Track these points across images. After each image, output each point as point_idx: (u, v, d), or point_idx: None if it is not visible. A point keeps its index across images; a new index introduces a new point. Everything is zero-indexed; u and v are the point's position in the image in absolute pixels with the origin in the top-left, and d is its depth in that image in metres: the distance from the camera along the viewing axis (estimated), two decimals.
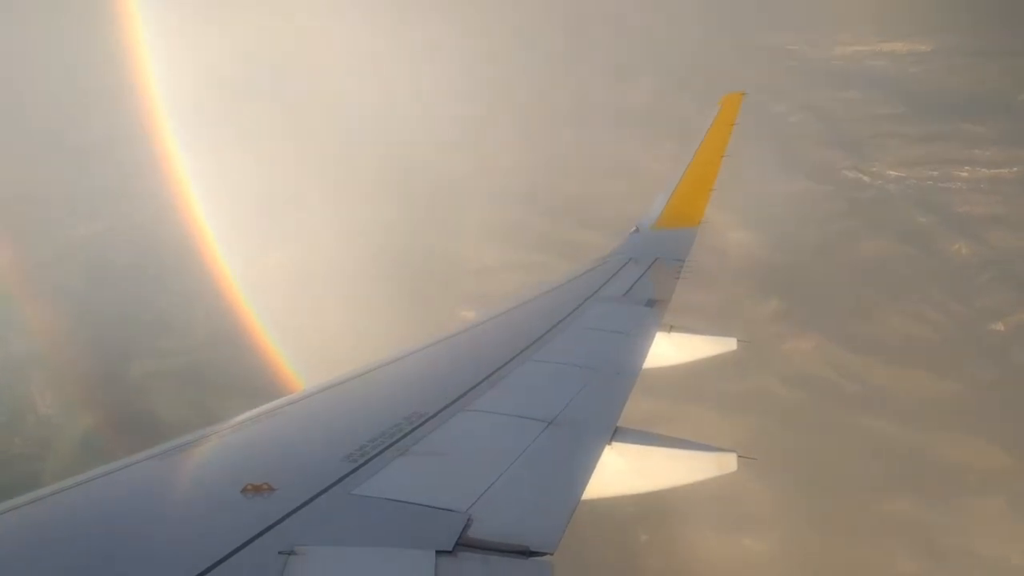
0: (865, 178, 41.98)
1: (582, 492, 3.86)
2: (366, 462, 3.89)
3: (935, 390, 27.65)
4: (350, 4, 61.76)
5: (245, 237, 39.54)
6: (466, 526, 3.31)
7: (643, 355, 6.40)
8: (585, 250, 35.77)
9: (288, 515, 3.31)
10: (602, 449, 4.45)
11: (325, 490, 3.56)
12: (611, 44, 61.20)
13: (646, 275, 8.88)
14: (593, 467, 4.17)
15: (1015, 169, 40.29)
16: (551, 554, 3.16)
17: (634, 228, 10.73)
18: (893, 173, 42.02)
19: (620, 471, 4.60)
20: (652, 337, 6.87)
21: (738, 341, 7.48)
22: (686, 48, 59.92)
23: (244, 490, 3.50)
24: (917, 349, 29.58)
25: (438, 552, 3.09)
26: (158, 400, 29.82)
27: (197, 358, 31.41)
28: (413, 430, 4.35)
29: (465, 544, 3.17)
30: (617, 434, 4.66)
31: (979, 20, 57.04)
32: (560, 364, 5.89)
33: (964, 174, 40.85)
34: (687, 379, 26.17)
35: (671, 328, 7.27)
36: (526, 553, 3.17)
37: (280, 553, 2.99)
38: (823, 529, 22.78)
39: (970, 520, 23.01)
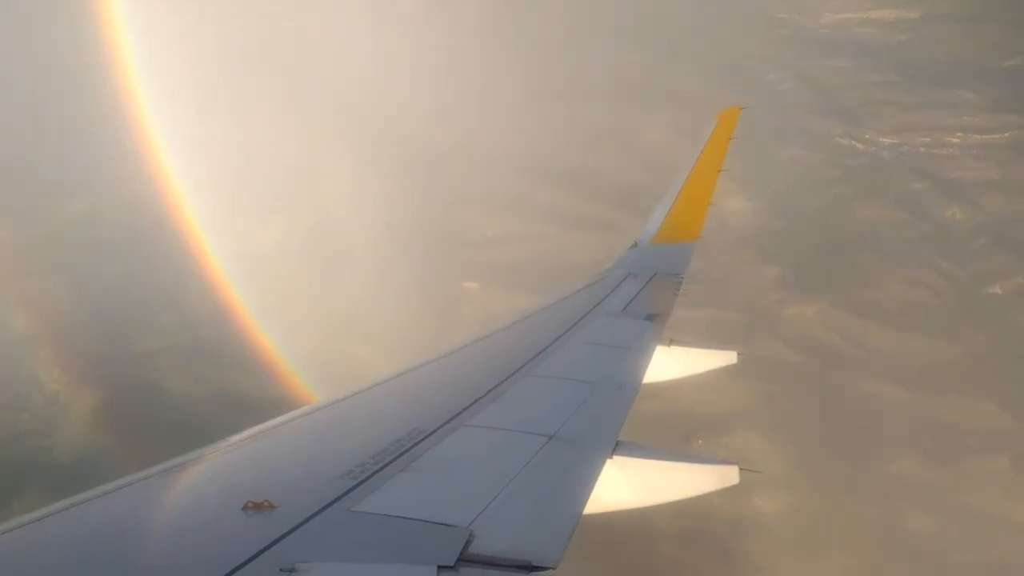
0: (859, 145, 42.29)
1: (584, 507, 3.91)
2: (367, 478, 3.91)
3: (936, 353, 28.12)
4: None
5: (238, 213, 39.41)
6: (468, 541, 3.32)
7: (643, 369, 6.50)
8: (588, 221, 36.16)
9: (289, 532, 3.31)
10: (603, 463, 4.49)
11: (326, 507, 3.58)
12: (595, 15, 60.82)
13: (645, 290, 8.97)
14: (594, 482, 4.23)
15: (1006, 135, 40.74)
16: (553, 569, 3.20)
17: (632, 243, 10.87)
18: (886, 140, 42.34)
19: (621, 485, 4.67)
20: (652, 351, 6.96)
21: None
22: (672, 18, 59.79)
23: (245, 507, 3.50)
24: (917, 313, 30.03)
25: (440, 568, 3.10)
26: (165, 375, 29.88)
27: (202, 333, 31.42)
28: (414, 446, 4.37)
29: (467, 560, 3.19)
30: (618, 448, 4.71)
31: None
32: (560, 379, 5.96)
33: (956, 140, 41.24)
34: (701, 341, 26.65)
35: (671, 342, 7.39)
36: (528, 568, 3.20)
37: (281, 570, 2.99)
38: (833, 489, 23.24)
39: (975, 480, 23.51)
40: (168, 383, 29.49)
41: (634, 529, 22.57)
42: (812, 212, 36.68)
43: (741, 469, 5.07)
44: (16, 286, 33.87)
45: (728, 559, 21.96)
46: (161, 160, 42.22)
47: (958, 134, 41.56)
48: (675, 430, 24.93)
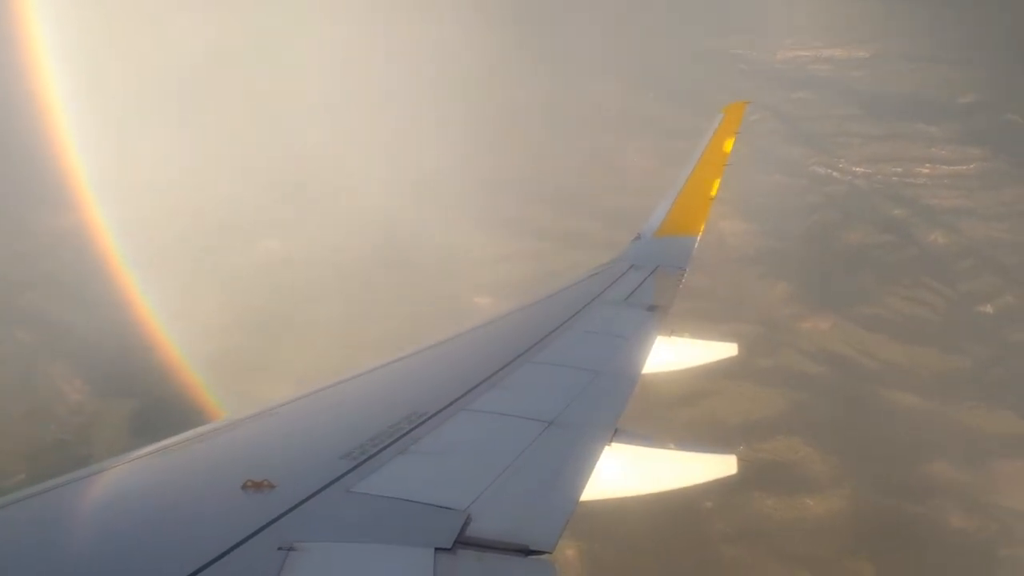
0: (835, 173, 44.28)
1: (581, 492, 3.92)
2: (366, 460, 3.91)
3: (945, 365, 29.71)
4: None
5: (246, 224, 39.05)
6: (465, 524, 3.33)
7: (643, 358, 6.48)
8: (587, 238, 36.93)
9: (288, 511, 3.33)
10: (602, 450, 4.47)
11: (325, 487, 3.58)
12: (556, 51, 61.95)
13: (647, 281, 8.92)
14: (592, 467, 4.22)
15: (972, 166, 43.25)
16: (550, 553, 3.22)
17: (636, 236, 10.73)
18: (859, 169, 44.46)
19: (620, 472, 4.64)
20: (653, 341, 6.93)
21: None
22: (636, 54, 61.56)
23: (244, 486, 3.51)
24: (920, 328, 31.67)
25: (437, 549, 3.12)
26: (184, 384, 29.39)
27: (220, 344, 31.00)
28: (413, 429, 4.38)
29: (464, 542, 3.21)
30: (617, 435, 4.69)
31: (910, 29, 60.53)
32: (560, 366, 5.93)
33: (926, 170, 43.58)
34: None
35: (672, 333, 7.35)
36: (525, 552, 3.22)
37: (280, 549, 3.01)
38: (876, 490, 24.33)
39: (1004, 480, 24.90)
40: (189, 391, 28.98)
41: (690, 528, 23.33)
42: (805, 233, 38.34)
43: (739, 459, 5.08)
44: None
45: (786, 558, 22.72)
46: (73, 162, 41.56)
47: (927, 165, 43.94)
48: (714, 439, 25.81)
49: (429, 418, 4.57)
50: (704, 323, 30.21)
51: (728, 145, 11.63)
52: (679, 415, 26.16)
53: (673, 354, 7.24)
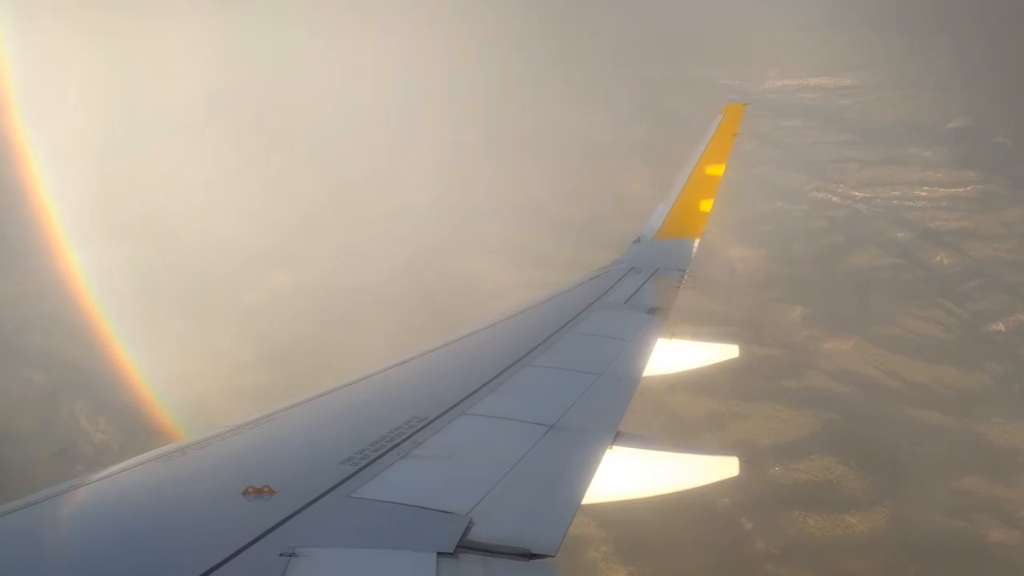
0: (834, 199, 45.03)
1: (583, 495, 3.92)
2: (367, 465, 3.91)
3: (966, 382, 30.20)
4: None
5: (254, 259, 38.94)
6: (467, 528, 3.33)
7: (644, 361, 6.50)
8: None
9: (289, 517, 3.33)
10: (603, 453, 4.47)
11: (326, 493, 3.59)
12: (545, 82, 62.55)
13: (647, 284, 8.96)
14: (594, 471, 4.22)
15: (969, 188, 44.17)
16: (552, 557, 3.22)
17: (636, 238, 10.82)
18: (858, 194, 45.26)
19: (621, 475, 4.63)
20: (653, 343, 6.95)
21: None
22: (626, 83, 62.43)
23: (246, 492, 3.52)
24: (938, 347, 32.18)
25: (439, 554, 3.12)
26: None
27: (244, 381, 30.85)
28: (414, 434, 4.38)
29: (466, 546, 3.21)
30: (618, 438, 4.70)
31: (890, 58, 61.95)
32: (561, 369, 5.93)
33: (924, 193, 44.45)
34: (749, 380, 27.93)
35: (673, 335, 7.40)
36: (527, 556, 3.22)
37: (281, 555, 3.02)
38: (916, 506, 24.60)
39: None
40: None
41: (732, 550, 23.48)
42: (813, 258, 38.94)
43: (742, 461, 5.09)
44: None
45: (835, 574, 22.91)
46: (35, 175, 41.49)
47: (925, 188, 44.82)
48: (747, 457, 26.00)
49: (430, 422, 4.58)
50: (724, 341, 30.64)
51: (727, 147, 11.60)
52: (710, 439, 26.41)
53: (674, 356, 7.30)
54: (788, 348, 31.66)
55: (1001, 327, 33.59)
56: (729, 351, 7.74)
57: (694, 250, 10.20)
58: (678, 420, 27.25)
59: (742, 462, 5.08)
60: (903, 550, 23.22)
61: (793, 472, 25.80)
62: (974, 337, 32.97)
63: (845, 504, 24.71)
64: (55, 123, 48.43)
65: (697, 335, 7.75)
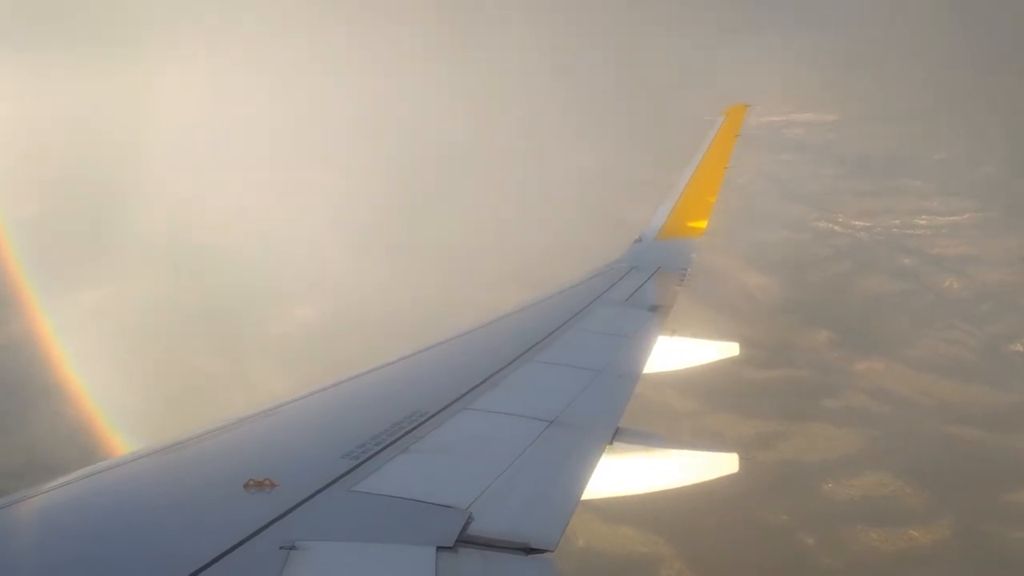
0: (836, 228, 46.04)
1: (583, 491, 3.93)
2: (367, 459, 3.92)
3: (996, 400, 30.84)
4: None
5: (263, 295, 38.62)
6: (467, 523, 3.34)
7: (645, 358, 6.52)
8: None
9: (290, 511, 3.34)
10: (603, 449, 4.48)
11: (327, 486, 3.60)
12: (535, 121, 63.09)
13: (648, 282, 8.95)
14: (594, 466, 4.23)
15: (966, 216, 45.48)
16: (551, 551, 3.23)
17: (637, 238, 10.72)
18: (859, 223, 46.35)
19: (621, 471, 4.66)
20: (654, 341, 6.96)
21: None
22: (613, 119, 63.37)
23: (247, 486, 3.53)
24: (964, 367, 32.89)
25: (439, 548, 3.13)
26: None
27: None
28: (414, 428, 4.38)
29: (465, 541, 3.22)
30: (618, 434, 4.72)
31: (866, 93, 63.88)
32: (562, 366, 5.96)
33: (923, 222, 45.66)
34: (789, 400, 28.32)
35: (673, 333, 7.40)
36: (526, 550, 3.24)
37: (282, 548, 3.03)
38: (975, 518, 24.96)
39: None
40: None
41: (798, 567, 23.62)
42: (826, 284, 39.70)
43: (741, 457, 5.10)
44: None
45: None
46: None
47: (923, 216, 46.03)
48: (797, 478, 26.34)
49: (430, 417, 4.58)
50: (760, 369, 31.20)
51: (729, 148, 11.64)
52: (756, 457, 26.62)
53: (675, 354, 7.31)
54: (822, 370, 32.15)
55: (1020, 347, 34.42)
56: (730, 349, 7.73)
57: (696, 250, 10.19)
58: (723, 440, 27.43)
59: (742, 459, 5.10)
60: (969, 562, 23.52)
61: (847, 488, 26.07)
62: (996, 357, 33.73)
63: (906, 518, 24.99)
64: None
65: (698, 334, 7.76)
